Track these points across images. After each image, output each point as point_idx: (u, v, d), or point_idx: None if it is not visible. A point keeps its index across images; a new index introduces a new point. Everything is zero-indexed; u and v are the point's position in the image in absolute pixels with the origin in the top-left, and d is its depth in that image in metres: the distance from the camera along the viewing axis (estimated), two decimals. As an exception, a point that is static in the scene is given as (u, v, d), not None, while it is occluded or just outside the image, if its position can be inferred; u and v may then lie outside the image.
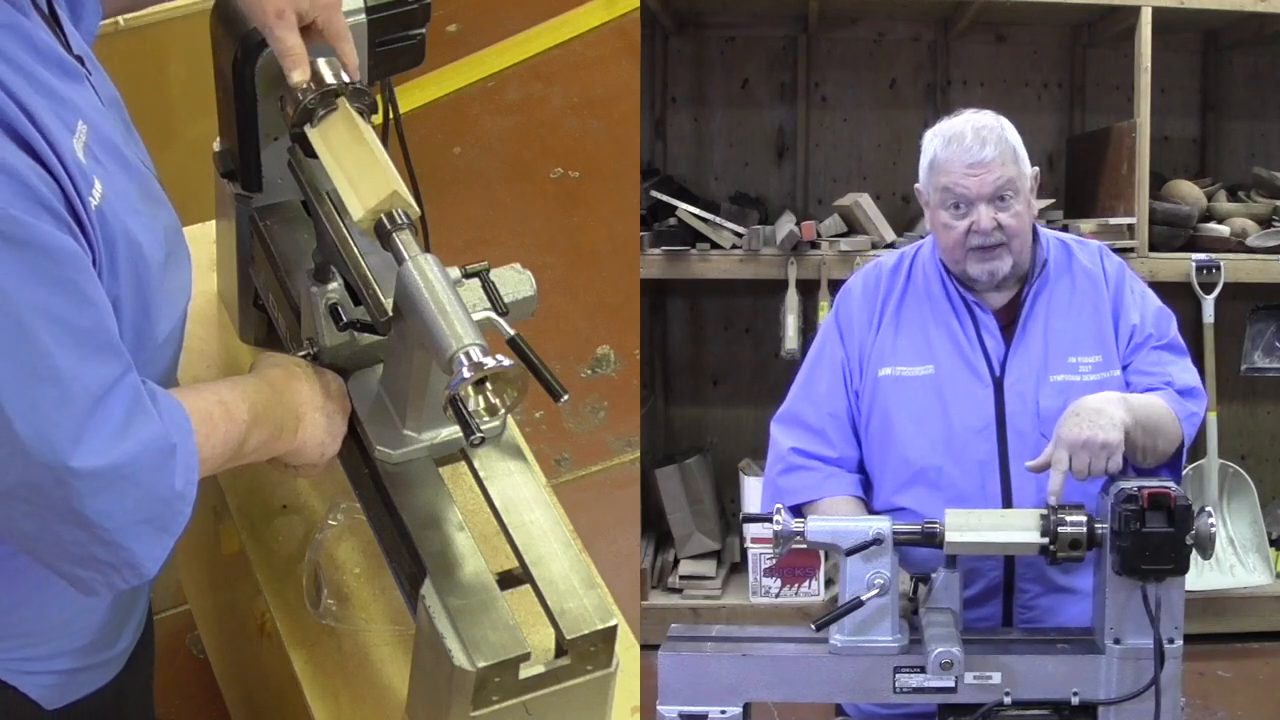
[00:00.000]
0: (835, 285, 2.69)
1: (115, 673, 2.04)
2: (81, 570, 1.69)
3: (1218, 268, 3.76)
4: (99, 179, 1.67)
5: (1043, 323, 2.35)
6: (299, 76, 1.95)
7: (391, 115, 2.16)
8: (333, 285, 2.01)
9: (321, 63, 1.97)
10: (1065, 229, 3.71)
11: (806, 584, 3.83)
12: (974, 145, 2.29)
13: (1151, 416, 2.22)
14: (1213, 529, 2.08)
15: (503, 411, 1.81)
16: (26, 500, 1.61)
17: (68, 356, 1.57)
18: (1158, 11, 3.75)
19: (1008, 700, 2.14)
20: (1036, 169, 2.37)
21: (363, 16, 2.04)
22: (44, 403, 1.56)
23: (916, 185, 2.40)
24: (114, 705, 2.06)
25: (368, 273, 1.94)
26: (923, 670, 2.12)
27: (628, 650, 2.09)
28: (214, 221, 2.32)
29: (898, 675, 2.14)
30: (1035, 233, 2.38)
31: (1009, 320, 2.37)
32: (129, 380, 1.65)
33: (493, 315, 1.91)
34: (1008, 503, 2.30)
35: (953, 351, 2.35)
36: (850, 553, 2.13)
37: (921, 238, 2.76)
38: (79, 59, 1.78)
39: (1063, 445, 2.13)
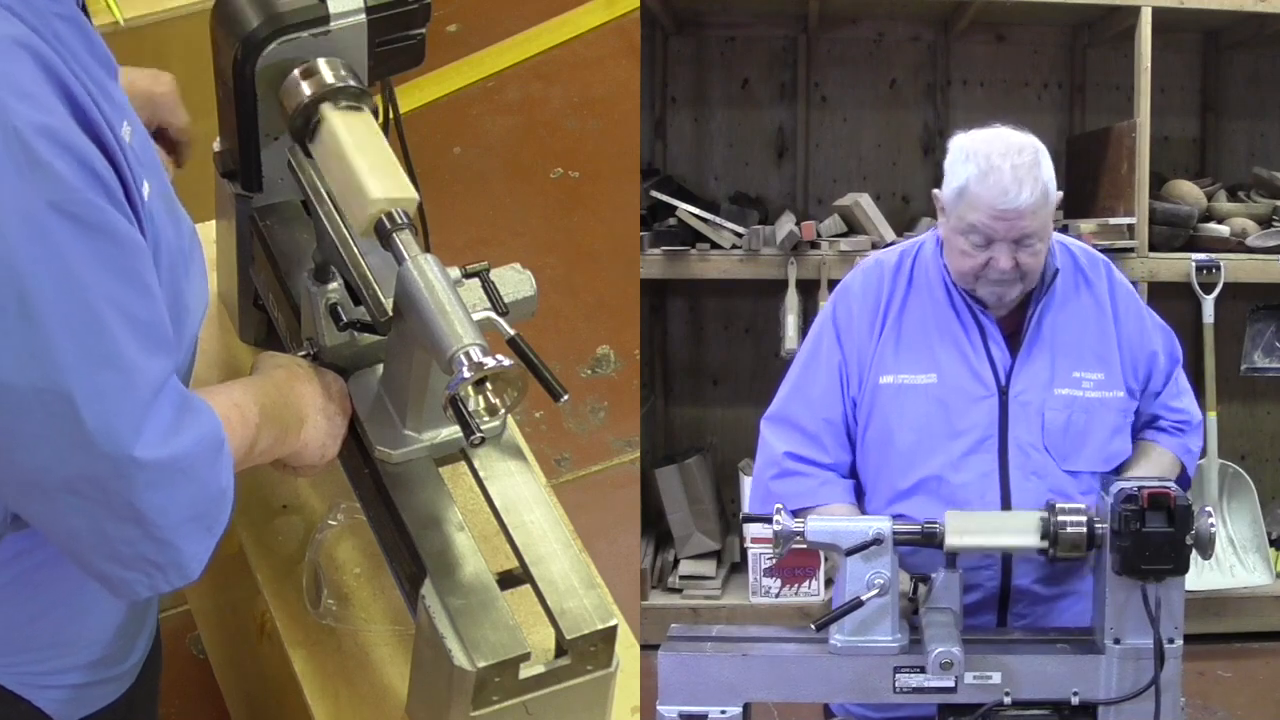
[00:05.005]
0: (835, 285, 2.69)
1: (126, 687, 2.03)
2: (126, 571, 1.66)
3: (1218, 268, 3.76)
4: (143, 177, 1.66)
5: (1049, 334, 2.32)
6: None
7: (392, 115, 2.16)
8: (333, 285, 2.01)
9: (322, 63, 1.97)
10: (1065, 229, 3.70)
11: (806, 584, 3.83)
12: (1010, 187, 2.20)
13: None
14: (1213, 529, 2.08)
15: (503, 411, 1.81)
16: (81, 494, 1.58)
17: (131, 346, 1.55)
18: (1158, 11, 3.75)
19: (1008, 700, 2.14)
20: (1060, 193, 2.30)
21: (363, 16, 2.04)
22: (110, 390, 1.53)
23: (935, 190, 2.31)
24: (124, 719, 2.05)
25: (368, 273, 1.94)
26: (923, 670, 2.12)
27: (628, 650, 2.08)
28: (214, 221, 2.32)
29: (897, 675, 2.14)
30: None
31: (1013, 328, 2.33)
32: (176, 378, 1.65)
33: (493, 315, 1.91)
34: (1006, 514, 2.30)
35: (958, 360, 2.32)
36: (850, 553, 2.13)
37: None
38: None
39: None
